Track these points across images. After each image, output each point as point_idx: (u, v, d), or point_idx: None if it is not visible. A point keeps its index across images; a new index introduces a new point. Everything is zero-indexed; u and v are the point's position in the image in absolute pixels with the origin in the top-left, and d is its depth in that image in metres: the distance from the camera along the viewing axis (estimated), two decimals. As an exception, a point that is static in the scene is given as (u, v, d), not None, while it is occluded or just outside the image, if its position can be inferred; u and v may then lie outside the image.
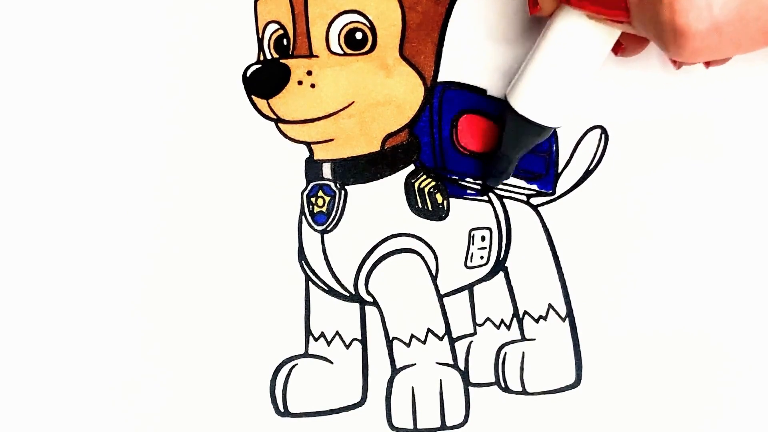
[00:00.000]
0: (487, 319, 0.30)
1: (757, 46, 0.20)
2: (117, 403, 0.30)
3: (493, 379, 0.29)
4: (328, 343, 0.30)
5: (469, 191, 0.30)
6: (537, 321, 0.29)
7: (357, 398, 0.30)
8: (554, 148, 0.29)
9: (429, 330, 0.29)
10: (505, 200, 0.30)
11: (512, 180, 0.29)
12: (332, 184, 0.29)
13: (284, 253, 0.30)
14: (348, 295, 0.30)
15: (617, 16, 0.22)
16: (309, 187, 0.30)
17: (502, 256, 0.30)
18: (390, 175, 0.29)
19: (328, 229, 0.29)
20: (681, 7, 0.19)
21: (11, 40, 0.30)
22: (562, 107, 0.26)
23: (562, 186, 0.29)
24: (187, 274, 0.30)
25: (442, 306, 0.29)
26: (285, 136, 0.30)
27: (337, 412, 0.30)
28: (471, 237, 0.29)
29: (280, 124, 0.30)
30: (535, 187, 0.29)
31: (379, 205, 0.29)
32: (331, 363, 0.30)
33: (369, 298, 0.30)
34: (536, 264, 0.30)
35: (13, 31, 0.30)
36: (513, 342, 0.30)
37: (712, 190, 0.29)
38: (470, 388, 0.29)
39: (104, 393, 0.30)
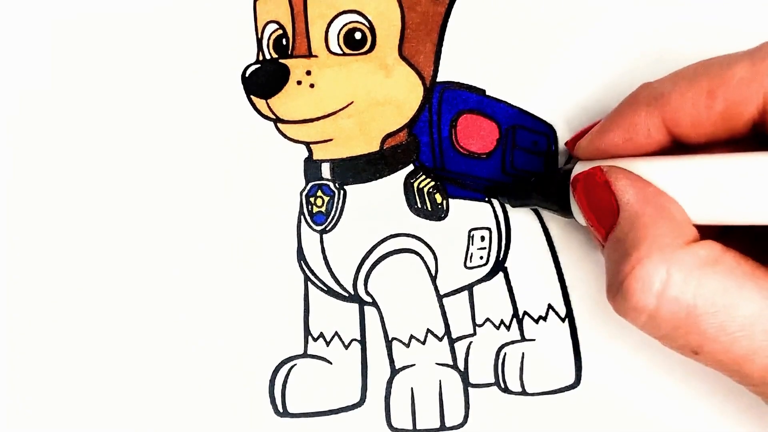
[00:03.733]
0: (487, 319, 0.30)
1: (680, 353, 0.21)
2: (116, 402, 0.30)
3: (492, 380, 0.29)
4: (327, 344, 0.30)
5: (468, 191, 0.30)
6: (537, 321, 0.29)
7: (356, 398, 0.29)
8: (553, 148, 0.29)
9: (428, 330, 0.29)
10: (504, 200, 0.30)
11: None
12: (331, 184, 0.29)
13: (283, 253, 0.30)
14: (347, 295, 0.30)
15: (599, 233, 0.23)
16: (308, 187, 0.30)
17: (501, 256, 0.30)
18: (389, 175, 0.29)
19: (327, 229, 0.29)
20: (639, 275, 0.20)
21: (11, 40, 0.30)
22: None
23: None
24: (186, 274, 0.30)
25: (442, 306, 0.29)
26: (284, 135, 0.30)
27: (336, 413, 0.29)
28: (470, 237, 0.29)
29: (279, 124, 0.30)
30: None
31: (378, 205, 0.29)
32: (330, 363, 0.30)
33: (368, 299, 0.30)
34: (536, 264, 0.29)
35: (12, 31, 0.30)
36: (513, 342, 0.29)
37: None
38: (470, 388, 0.29)
39: (103, 393, 0.30)
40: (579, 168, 0.25)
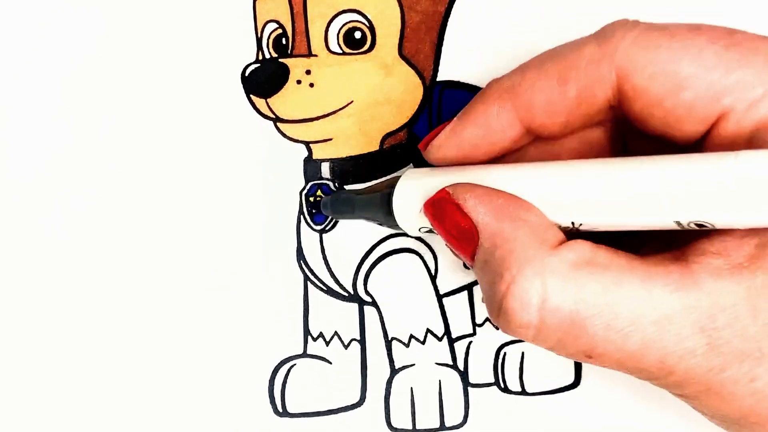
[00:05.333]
0: (487, 319, 0.30)
1: (576, 360, 0.20)
2: (115, 402, 0.30)
3: (492, 380, 0.29)
4: (327, 344, 0.30)
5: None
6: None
7: (356, 398, 0.29)
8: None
9: (428, 330, 0.29)
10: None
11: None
12: (331, 184, 0.29)
13: (283, 253, 0.30)
14: (347, 295, 0.30)
15: (464, 257, 0.22)
16: (308, 187, 0.30)
17: (501, 256, 0.30)
18: (389, 174, 0.29)
19: (327, 228, 0.29)
20: (515, 293, 0.19)
21: (11, 40, 0.30)
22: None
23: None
24: (185, 274, 0.30)
25: (441, 306, 0.29)
26: (284, 135, 0.30)
27: (336, 413, 0.29)
28: (470, 237, 0.29)
29: (278, 124, 0.30)
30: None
31: (378, 204, 0.29)
32: (330, 363, 0.30)
33: (368, 298, 0.30)
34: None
35: (12, 31, 0.30)
36: (512, 342, 0.29)
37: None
38: (469, 388, 0.29)
39: (103, 392, 0.30)
40: (404, 184, 0.24)
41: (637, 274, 0.19)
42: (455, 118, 0.23)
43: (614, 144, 0.23)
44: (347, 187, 0.29)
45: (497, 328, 0.29)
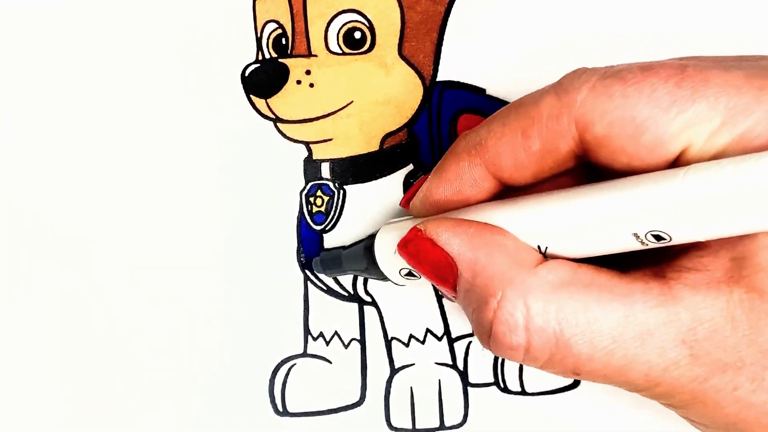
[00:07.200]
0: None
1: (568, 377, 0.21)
2: (116, 402, 0.30)
3: (492, 380, 0.29)
4: (327, 343, 0.30)
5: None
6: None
7: (356, 398, 0.29)
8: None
9: (428, 330, 0.29)
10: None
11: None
12: (331, 184, 0.29)
13: (283, 253, 0.30)
14: (347, 294, 0.30)
15: (446, 290, 0.22)
16: (308, 187, 0.30)
17: (501, 255, 0.30)
18: (389, 174, 0.29)
19: (327, 228, 0.29)
20: (502, 317, 0.19)
21: (11, 40, 0.30)
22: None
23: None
24: (186, 274, 0.30)
25: (441, 306, 0.29)
26: (283, 135, 0.30)
27: (336, 412, 0.29)
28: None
29: (278, 124, 0.30)
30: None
31: (377, 204, 0.29)
32: (330, 363, 0.30)
33: (368, 298, 0.30)
34: (536, 264, 0.29)
35: (12, 31, 0.30)
36: (512, 342, 0.29)
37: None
38: (469, 388, 0.29)
39: (103, 392, 0.30)
40: (383, 232, 0.25)
41: (617, 291, 0.19)
42: (429, 175, 0.24)
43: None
44: (347, 188, 0.29)
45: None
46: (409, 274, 0.25)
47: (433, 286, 0.29)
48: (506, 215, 0.21)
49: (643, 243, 0.19)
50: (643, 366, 0.19)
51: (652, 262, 0.20)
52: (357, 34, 0.29)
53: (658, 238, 0.18)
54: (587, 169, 0.22)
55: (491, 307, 0.20)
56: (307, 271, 0.30)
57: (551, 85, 0.20)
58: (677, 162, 0.19)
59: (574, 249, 0.20)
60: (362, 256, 0.27)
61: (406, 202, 0.26)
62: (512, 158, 0.21)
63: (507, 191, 0.23)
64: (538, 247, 0.21)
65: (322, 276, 0.30)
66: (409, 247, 0.22)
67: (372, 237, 0.26)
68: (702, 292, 0.19)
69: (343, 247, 0.28)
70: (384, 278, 0.26)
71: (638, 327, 0.19)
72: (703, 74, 0.18)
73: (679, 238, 0.18)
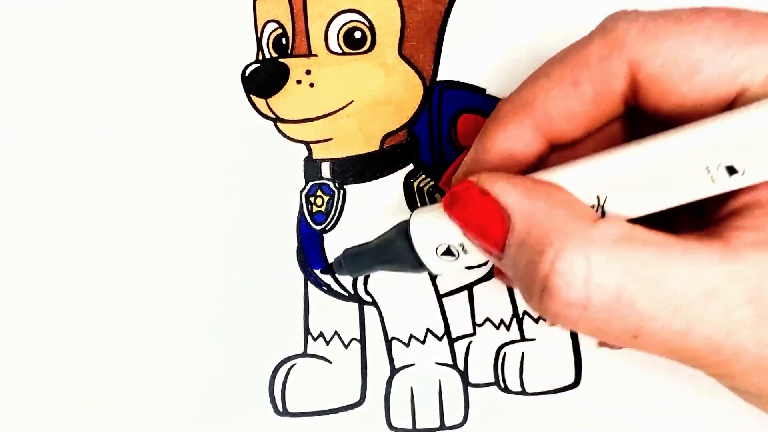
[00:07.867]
0: (487, 319, 0.30)
1: (621, 344, 0.19)
2: (116, 402, 0.30)
3: (492, 380, 0.29)
4: (327, 343, 0.30)
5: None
6: (537, 321, 0.29)
7: (356, 398, 0.29)
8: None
9: (428, 330, 0.29)
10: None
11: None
12: (331, 184, 0.29)
13: (283, 253, 0.30)
14: (347, 294, 0.30)
15: (491, 247, 0.21)
16: (308, 187, 0.30)
17: (501, 255, 0.30)
18: (389, 174, 0.29)
19: (327, 228, 0.29)
20: (560, 269, 0.18)
21: (11, 40, 0.30)
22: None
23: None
24: (186, 274, 0.30)
25: (441, 306, 0.29)
26: (284, 135, 0.30)
27: (336, 412, 0.29)
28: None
29: (278, 124, 0.30)
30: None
31: (377, 204, 0.29)
32: (330, 363, 0.30)
33: (368, 298, 0.30)
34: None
35: (12, 31, 0.30)
36: (512, 342, 0.29)
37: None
38: (469, 388, 0.29)
39: (103, 392, 0.30)
40: (420, 215, 0.24)
41: (678, 248, 0.18)
42: (472, 147, 0.23)
43: (630, 139, 0.23)
44: (347, 187, 0.29)
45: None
46: (447, 252, 0.23)
47: (433, 285, 0.29)
48: (564, 172, 0.20)
49: (713, 180, 0.18)
50: (706, 328, 0.18)
51: (702, 227, 0.20)
52: (357, 34, 0.29)
53: (731, 171, 0.18)
54: (629, 121, 0.21)
55: (548, 259, 0.18)
56: (306, 271, 0.30)
57: (594, 30, 0.20)
58: (732, 104, 0.18)
59: (637, 202, 0.19)
60: (395, 241, 0.25)
61: (445, 181, 0.24)
62: (564, 110, 0.20)
63: (549, 155, 0.22)
64: (596, 204, 0.20)
65: (323, 277, 0.30)
66: (458, 199, 0.21)
67: (401, 224, 0.25)
68: (763, 249, 0.18)
69: (364, 244, 0.27)
70: (413, 267, 0.25)
71: (704, 284, 0.18)
72: (758, 19, 0.18)
73: (752, 171, 0.17)
